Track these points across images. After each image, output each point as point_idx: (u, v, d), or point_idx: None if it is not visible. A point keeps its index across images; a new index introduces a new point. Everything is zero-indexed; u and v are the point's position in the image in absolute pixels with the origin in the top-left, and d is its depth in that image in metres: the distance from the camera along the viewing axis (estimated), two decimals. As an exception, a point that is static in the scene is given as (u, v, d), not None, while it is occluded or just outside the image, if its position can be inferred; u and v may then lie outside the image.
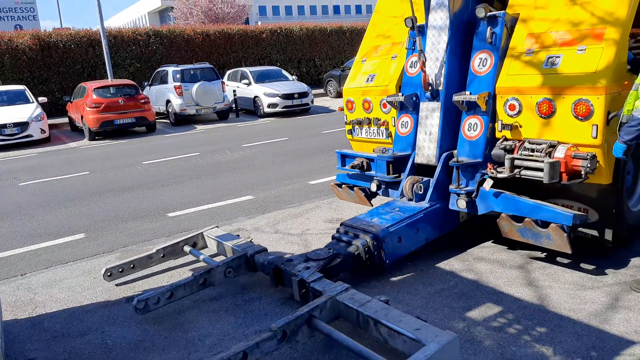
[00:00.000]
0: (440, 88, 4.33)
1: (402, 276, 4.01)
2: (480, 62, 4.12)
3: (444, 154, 4.28)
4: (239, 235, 4.46)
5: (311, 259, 3.72)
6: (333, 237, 4.06)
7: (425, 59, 4.36)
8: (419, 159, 4.48)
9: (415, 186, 4.29)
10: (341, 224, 4.14)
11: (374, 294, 3.74)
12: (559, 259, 4.05)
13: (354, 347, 2.68)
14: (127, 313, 3.77)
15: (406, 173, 4.49)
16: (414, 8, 5.10)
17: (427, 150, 4.40)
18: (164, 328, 3.51)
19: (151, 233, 5.65)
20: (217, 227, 4.71)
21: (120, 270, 4.28)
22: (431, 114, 4.38)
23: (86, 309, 3.91)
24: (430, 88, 4.35)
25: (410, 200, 4.33)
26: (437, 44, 4.37)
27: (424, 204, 4.18)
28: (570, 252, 3.53)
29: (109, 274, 4.25)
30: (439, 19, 4.34)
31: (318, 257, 3.72)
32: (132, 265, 4.33)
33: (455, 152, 4.26)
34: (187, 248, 4.51)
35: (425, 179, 4.34)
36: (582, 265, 3.92)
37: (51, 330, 3.62)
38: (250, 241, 4.27)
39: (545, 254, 4.15)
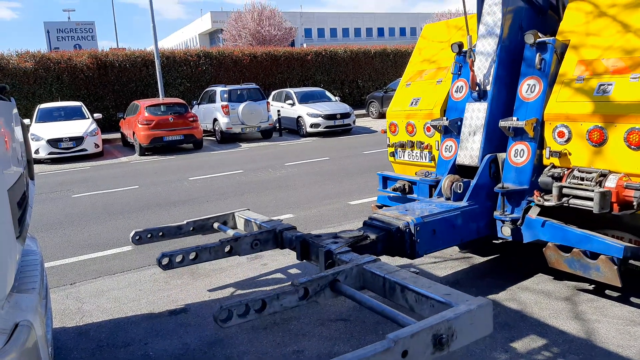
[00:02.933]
0: (489, 88, 4.28)
1: (443, 303, 3.94)
2: (529, 88, 4.07)
3: (487, 156, 4.21)
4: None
5: (340, 236, 3.61)
6: (365, 223, 3.92)
7: (475, 58, 4.34)
8: (460, 160, 4.42)
9: (454, 185, 4.18)
10: (374, 212, 4.04)
11: (411, 314, 3.71)
12: (607, 292, 3.90)
13: (377, 307, 2.58)
14: (170, 326, 3.87)
15: (446, 173, 4.44)
16: (461, 33, 5.14)
17: (469, 151, 4.34)
18: (204, 343, 3.57)
19: (194, 248, 5.78)
20: (248, 209, 4.72)
21: (148, 235, 4.27)
22: (476, 115, 4.34)
23: (131, 320, 4.03)
24: (477, 88, 4.32)
25: (448, 199, 4.22)
26: (483, 68, 4.36)
27: (462, 203, 4.08)
28: (620, 286, 3.39)
29: (137, 237, 4.24)
30: (487, 45, 4.33)
31: (348, 235, 3.61)
32: (161, 233, 4.32)
33: (499, 154, 4.20)
34: (216, 225, 4.48)
35: (466, 180, 4.25)
36: (632, 299, 3.76)
37: (96, 339, 3.75)
38: (280, 221, 4.25)
39: (593, 286, 4.01)
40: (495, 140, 4.26)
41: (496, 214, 4.05)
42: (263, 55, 23.86)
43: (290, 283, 2.76)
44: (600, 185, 3.46)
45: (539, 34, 4.07)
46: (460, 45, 4.60)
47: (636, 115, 3.37)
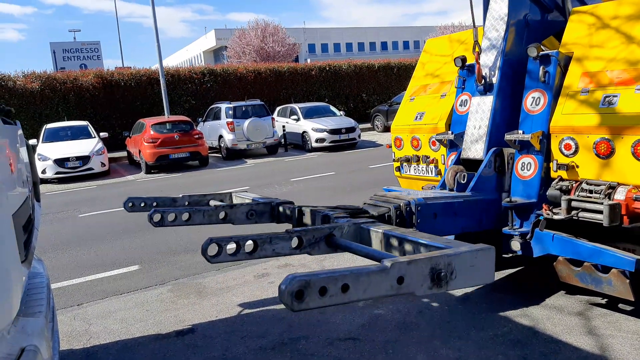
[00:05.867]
0: (494, 81, 4.25)
1: (453, 319, 3.89)
2: (533, 100, 4.05)
3: (492, 149, 4.16)
4: None
5: (339, 207, 3.45)
6: (364, 203, 3.76)
7: (481, 50, 4.32)
8: (465, 154, 4.36)
9: (458, 175, 4.11)
10: (374, 194, 3.88)
11: (420, 332, 3.66)
12: (621, 305, 3.84)
13: (375, 254, 2.46)
14: (177, 347, 3.83)
15: (450, 166, 4.38)
16: (464, 47, 5.15)
17: (475, 144, 4.30)
18: (212, 364, 3.54)
19: (202, 266, 5.76)
20: (246, 191, 4.63)
21: (142, 204, 4.20)
22: (481, 108, 4.30)
23: (138, 342, 4.00)
24: (483, 81, 4.28)
25: (452, 190, 4.14)
26: (487, 72, 4.35)
27: (466, 193, 4.00)
28: (633, 300, 3.34)
29: (130, 203, 4.16)
30: (489, 59, 4.33)
31: (346, 207, 3.45)
32: (155, 204, 4.24)
33: (504, 149, 4.15)
34: (213, 202, 4.37)
35: (470, 172, 4.16)
36: (648, 313, 3.70)
37: (104, 361, 3.73)
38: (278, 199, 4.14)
39: (606, 300, 3.94)
40: (501, 134, 4.20)
41: (505, 228, 4.01)
42: (267, 71, 24.02)
43: (285, 230, 2.70)
44: (609, 198, 3.42)
45: (542, 47, 4.07)
46: (464, 59, 4.60)
47: (643, 126, 3.33)
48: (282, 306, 4.42)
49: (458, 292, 4.39)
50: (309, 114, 18.17)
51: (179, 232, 7.44)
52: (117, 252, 6.70)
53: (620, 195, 3.38)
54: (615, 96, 3.58)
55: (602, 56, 3.82)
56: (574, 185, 3.69)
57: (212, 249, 2.51)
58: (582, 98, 3.77)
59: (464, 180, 4.08)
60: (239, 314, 4.37)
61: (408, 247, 2.50)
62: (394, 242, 2.58)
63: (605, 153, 3.54)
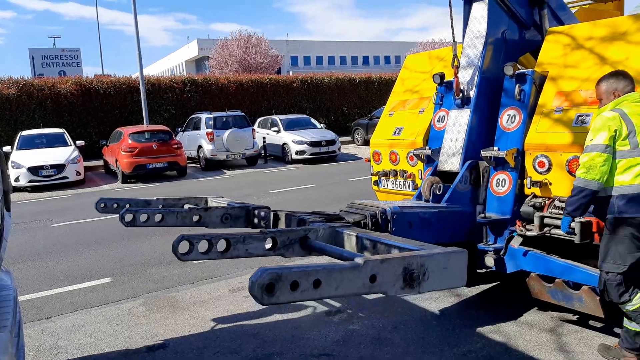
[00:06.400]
0: (472, 94, 4.30)
1: (427, 334, 3.88)
2: (509, 118, 4.11)
3: (468, 161, 4.19)
4: None
5: (315, 213, 3.41)
6: (340, 210, 3.72)
7: (459, 64, 4.36)
8: (442, 166, 4.38)
9: (434, 186, 4.14)
10: (351, 202, 3.86)
11: (394, 348, 3.64)
12: (591, 322, 3.88)
13: (348, 255, 2.43)
14: (147, 363, 3.74)
15: (426, 178, 4.40)
16: (443, 64, 5.22)
17: (451, 157, 4.32)
18: (183, 380, 3.46)
19: (176, 280, 5.67)
20: (222, 197, 4.59)
21: (114, 205, 4.05)
22: (459, 121, 4.33)
23: (107, 357, 3.89)
24: (461, 94, 4.32)
25: (427, 201, 4.16)
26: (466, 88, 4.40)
27: (441, 204, 4.01)
28: (603, 316, 3.38)
29: (102, 204, 4.00)
30: (467, 75, 4.39)
31: (322, 213, 3.42)
32: (127, 205, 4.09)
33: (480, 162, 4.19)
34: (187, 206, 4.24)
35: (446, 184, 4.18)
36: (616, 330, 3.73)
37: (71, 377, 3.62)
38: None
39: (577, 316, 3.99)
40: (477, 149, 4.25)
41: (480, 244, 4.03)
42: (249, 82, 23.99)
43: (259, 231, 2.65)
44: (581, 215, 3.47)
45: (518, 65, 4.14)
46: (442, 76, 4.66)
47: (614, 146, 3.39)
48: (256, 321, 4.36)
49: (433, 308, 4.39)
50: (289, 126, 18.18)
51: (154, 244, 7.32)
52: (89, 264, 6.55)
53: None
54: (588, 115, 3.65)
55: (576, 76, 3.90)
56: (547, 202, 3.74)
57: (184, 247, 2.45)
58: (556, 117, 3.84)
59: (439, 192, 4.10)
60: (212, 329, 4.29)
61: (381, 249, 2.47)
62: (368, 245, 2.55)
63: (578, 171, 3.59)
